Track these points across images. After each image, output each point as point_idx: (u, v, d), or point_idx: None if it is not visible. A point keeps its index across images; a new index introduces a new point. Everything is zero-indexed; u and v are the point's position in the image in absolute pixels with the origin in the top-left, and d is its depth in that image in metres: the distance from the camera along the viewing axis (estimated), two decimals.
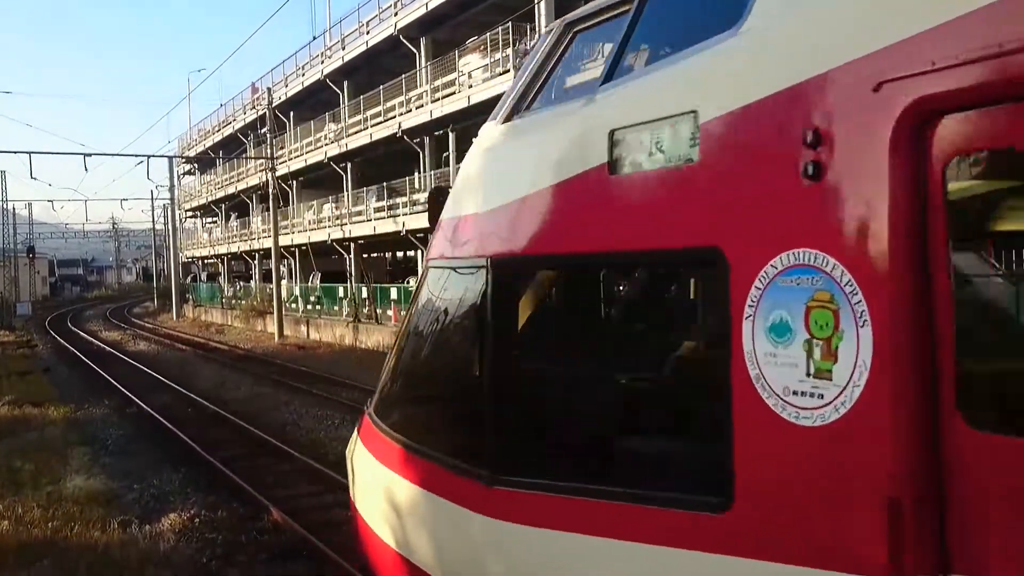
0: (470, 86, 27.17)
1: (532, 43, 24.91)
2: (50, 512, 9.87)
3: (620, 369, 3.98)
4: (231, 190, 53.54)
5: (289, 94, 43.59)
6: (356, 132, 35.60)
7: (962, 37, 2.18)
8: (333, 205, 40.55)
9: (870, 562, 2.34)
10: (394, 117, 32.09)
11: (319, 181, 42.98)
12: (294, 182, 44.74)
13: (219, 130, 56.98)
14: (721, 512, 2.71)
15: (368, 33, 34.91)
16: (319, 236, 39.88)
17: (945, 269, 2.28)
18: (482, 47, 27.17)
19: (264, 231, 45.55)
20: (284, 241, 40.22)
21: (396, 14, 32.03)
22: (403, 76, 31.72)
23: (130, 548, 8.71)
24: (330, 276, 39.62)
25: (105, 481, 11.66)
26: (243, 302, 45.85)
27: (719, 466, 2.72)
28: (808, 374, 2.49)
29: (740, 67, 2.80)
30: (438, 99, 28.97)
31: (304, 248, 42.26)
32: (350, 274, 37.11)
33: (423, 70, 31.07)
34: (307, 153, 41.26)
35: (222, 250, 57.41)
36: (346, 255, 38.73)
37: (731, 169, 2.75)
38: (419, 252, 34.47)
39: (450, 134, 29.21)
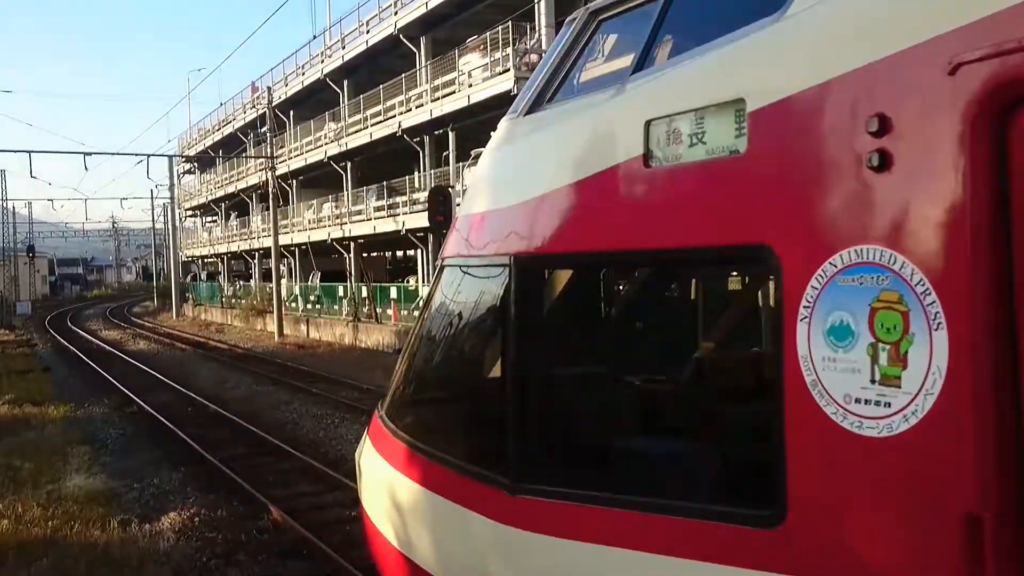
0: (470, 85, 27.16)
1: (532, 42, 24.93)
2: (50, 511, 9.87)
3: (654, 372, 3.77)
4: (231, 189, 53.52)
5: (289, 93, 43.60)
6: (356, 131, 35.59)
7: None
8: (333, 204, 40.53)
9: None
10: (394, 116, 32.08)
11: (319, 180, 42.98)
12: (294, 181, 44.73)
13: (219, 129, 56.97)
14: (772, 527, 2.52)
15: (368, 32, 34.91)
16: (319, 235, 39.88)
17: None
18: (482, 46, 27.15)
19: (264, 230, 45.53)
20: (284, 240, 40.22)
21: (396, 13, 32.03)
22: (403, 75, 31.71)
23: (130, 547, 8.72)
24: (330, 275, 39.61)
25: (105, 480, 11.66)
26: (243, 301, 45.84)
27: (769, 477, 2.54)
28: (873, 381, 2.31)
29: (793, 52, 2.62)
30: (438, 98, 28.96)
31: (304, 247, 42.27)
32: (350, 273, 37.11)
33: (423, 69, 31.06)
34: (307, 152, 41.25)
35: (222, 249, 57.39)
36: (346, 254, 38.74)
37: (783, 160, 2.55)
38: (419, 251, 34.48)
39: (450, 133, 29.22)
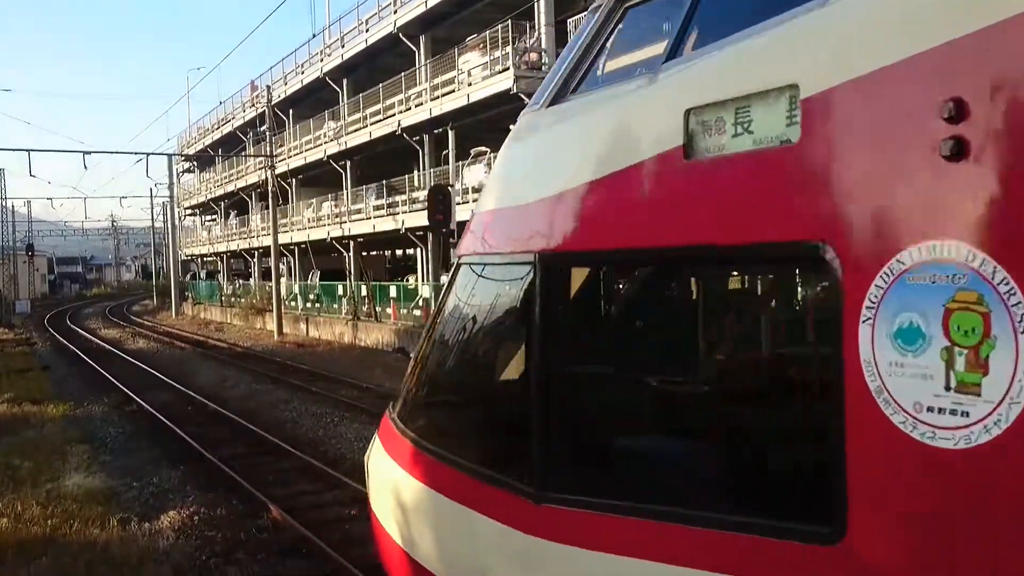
0: (469, 84, 27.14)
1: (532, 41, 24.92)
2: (49, 509, 9.88)
3: (692, 376, 3.55)
4: (230, 188, 53.51)
5: (288, 92, 43.58)
6: (355, 130, 35.58)
7: None
8: (332, 203, 40.53)
9: None
10: (393, 115, 32.06)
11: (318, 179, 42.98)
12: (293, 180, 44.74)
13: (218, 128, 56.95)
14: (830, 544, 2.34)
15: (368, 31, 34.88)
16: (318, 234, 39.88)
17: None
18: (482, 45, 27.13)
19: (263, 229, 45.53)
20: (283, 239, 40.21)
21: (395, 12, 32.00)
22: (402, 74, 31.70)
23: (129, 545, 8.73)
24: (329, 274, 39.61)
25: (104, 479, 11.67)
26: (242, 300, 45.85)
27: (827, 490, 2.35)
28: (948, 388, 2.12)
29: (854, 31, 2.41)
30: (437, 97, 28.94)
31: (303, 246, 42.26)
32: (349, 272, 37.12)
33: (422, 68, 31.05)
34: (306, 151, 41.24)
35: (221, 248, 57.39)
36: (345, 253, 38.75)
37: (842, 150, 2.35)
38: (419, 250, 34.47)
39: (449, 132, 29.20)
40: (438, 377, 4.65)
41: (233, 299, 48.50)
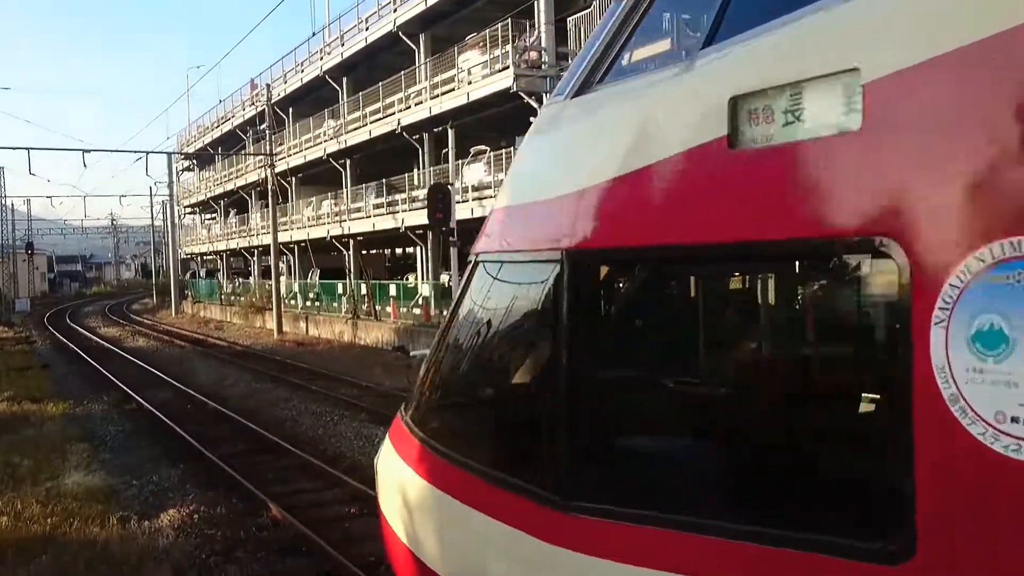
0: (469, 82, 27.13)
1: (532, 39, 24.92)
2: (49, 508, 9.88)
3: (739, 381, 3.32)
4: (230, 186, 53.51)
5: (288, 90, 43.58)
6: (355, 128, 35.58)
7: None
8: (332, 202, 40.54)
9: None
10: (393, 113, 32.06)
11: (318, 177, 42.97)
12: (293, 178, 44.73)
13: (218, 126, 56.94)
14: (895, 563, 2.16)
15: (367, 29, 34.88)
16: (318, 233, 39.88)
17: None
18: (481, 43, 27.12)
19: (263, 227, 45.54)
20: (283, 237, 40.21)
21: (395, 10, 31.99)
22: (402, 72, 31.69)
23: (129, 544, 8.73)
24: (329, 273, 39.62)
25: (104, 477, 11.67)
26: (242, 298, 45.86)
27: (893, 505, 2.17)
28: None
29: (926, 9, 2.24)
30: (437, 95, 28.94)
31: (303, 244, 42.26)
32: (349, 270, 37.13)
33: (422, 66, 31.05)
34: (306, 149, 41.24)
35: (221, 246, 57.40)
36: (345, 252, 38.76)
37: (911, 138, 2.17)
38: (418, 248, 34.48)
39: (449, 130, 29.18)
40: (456, 380, 4.48)
41: (233, 298, 48.50)
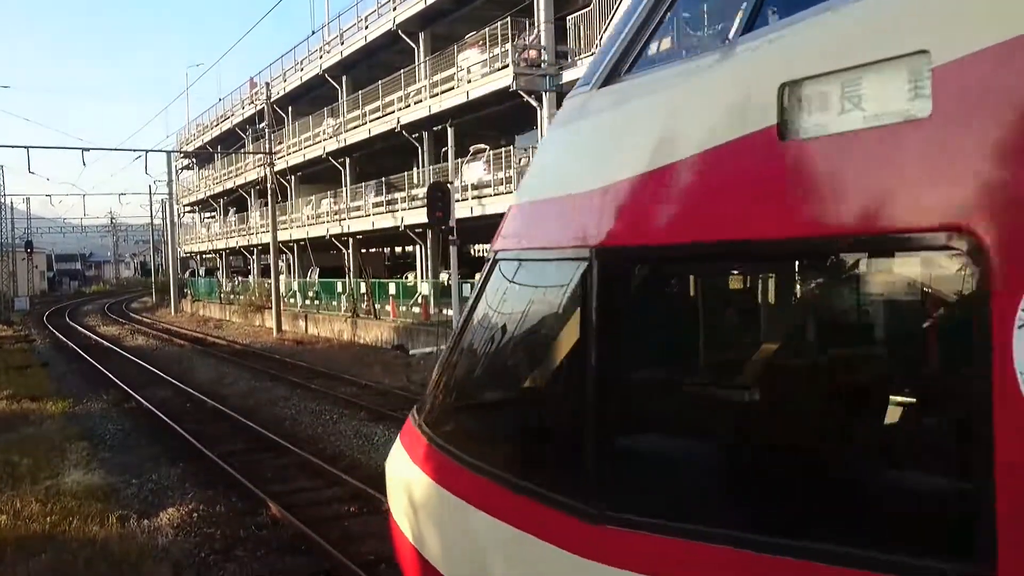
0: (469, 81, 27.13)
1: (531, 38, 24.91)
2: (48, 507, 9.88)
3: (791, 386, 3.08)
4: (229, 185, 53.51)
5: (287, 89, 43.58)
6: (354, 127, 35.58)
7: None
8: (331, 200, 40.53)
9: None
10: (393, 112, 32.06)
11: (317, 176, 42.98)
12: (292, 177, 44.72)
13: (217, 125, 56.93)
14: None
15: (367, 28, 34.87)
16: (317, 231, 39.88)
17: None
18: (481, 42, 27.11)
19: (262, 226, 45.52)
20: (282, 236, 40.20)
21: (395, 9, 31.98)
22: (402, 71, 31.70)
23: (129, 542, 8.73)
24: (328, 271, 39.62)
25: (103, 475, 11.67)
26: (241, 297, 45.86)
27: (968, 521, 2.02)
28: None
29: None
30: (437, 94, 28.93)
31: (302, 243, 42.23)
32: (348, 269, 37.12)
33: (422, 65, 31.04)
34: (305, 148, 41.24)
35: (220, 245, 57.40)
36: (344, 250, 38.75)
37: (988, 125, 2.00)
38: (418, 247, 34.49)
39: (449, 129, 29.19)
40: (477, 384, 4.30)
41: (232, 296, 48.51)
